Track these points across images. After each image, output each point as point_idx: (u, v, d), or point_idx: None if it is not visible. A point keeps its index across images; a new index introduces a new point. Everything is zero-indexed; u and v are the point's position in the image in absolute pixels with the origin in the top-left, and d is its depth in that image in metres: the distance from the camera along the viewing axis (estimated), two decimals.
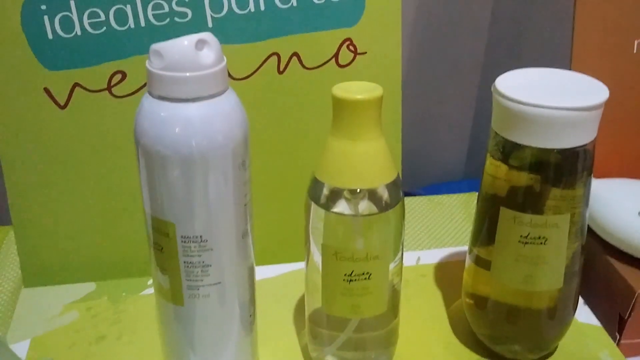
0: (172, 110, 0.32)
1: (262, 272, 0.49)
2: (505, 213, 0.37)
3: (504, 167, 0.37)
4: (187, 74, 0.31)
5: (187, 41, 0.31)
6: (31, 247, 0.48)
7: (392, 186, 0.36)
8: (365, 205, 0.35)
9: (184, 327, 0.37)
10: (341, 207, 0.35)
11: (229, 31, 0.45)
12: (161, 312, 0.38)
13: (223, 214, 0.34)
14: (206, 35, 0.31)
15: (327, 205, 0.35)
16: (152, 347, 0.41)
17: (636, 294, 0.45)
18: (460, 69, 0.75)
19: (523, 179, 0.36)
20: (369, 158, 0.35)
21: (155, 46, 0.31)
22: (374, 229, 0.36)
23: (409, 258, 0.52)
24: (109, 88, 0.45)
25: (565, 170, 0.36)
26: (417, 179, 0.89)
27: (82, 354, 0.42)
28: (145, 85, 0.33)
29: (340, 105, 0.34)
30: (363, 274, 0.36)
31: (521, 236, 0.37)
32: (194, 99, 0.32)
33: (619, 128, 0.52)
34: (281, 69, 0.47)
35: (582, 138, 0.35)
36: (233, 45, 0.46)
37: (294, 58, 0.47)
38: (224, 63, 0.32)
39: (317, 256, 0.37)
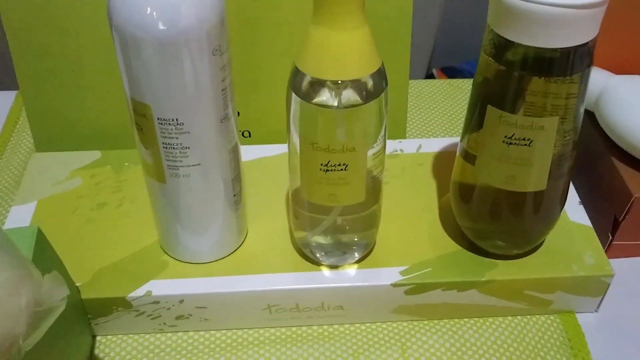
0: None
1: (259, 152, 0.50)
2: (491, 111, 0.36)
3: (494, 64, 0.35)
4: None
5: None
6: (39, 113, 0.50)
7: (376, 76, 0.35)
8: (346, 96, 0.35)
9: (168, 202, 0.39)
10: (321, 97, 0.35)
11: None
12: (148, 186, 0.40)
13: (198, 98, 0.34)
14: None
15: (307, 95, 0.35)
16: (147, 216, 0.44)
17: (633, 197, 0.44)
18: None
19: (513, 78, 0.34)
20: (351, 47, 0.33)
21: None
22: (353, 121, 0.35)
23: (410, 145, 0.51)
24: None
25: (559, 70, 0.34)
26: (461, 53, 0.86)
27: (84, 218, 0.45)
28: None
29: None
30: (339, 164, 0.36)
31: (506, 136, 0.36)
32: None
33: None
34: None
35: (580, 37, 0.32)
36: None
37: None
38: None
39: (296, 139, 0.37)
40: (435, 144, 0.51)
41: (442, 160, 0.50)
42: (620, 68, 0.48)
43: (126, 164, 0.49)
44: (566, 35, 0.32)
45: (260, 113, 0.51)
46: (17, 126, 0.59)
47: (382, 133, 0.37)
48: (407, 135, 0.56)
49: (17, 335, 0.28)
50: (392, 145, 0.51)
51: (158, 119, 0.34)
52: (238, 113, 0.50)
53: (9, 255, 0.28)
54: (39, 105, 0.49)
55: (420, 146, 0.51)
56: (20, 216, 0.45)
